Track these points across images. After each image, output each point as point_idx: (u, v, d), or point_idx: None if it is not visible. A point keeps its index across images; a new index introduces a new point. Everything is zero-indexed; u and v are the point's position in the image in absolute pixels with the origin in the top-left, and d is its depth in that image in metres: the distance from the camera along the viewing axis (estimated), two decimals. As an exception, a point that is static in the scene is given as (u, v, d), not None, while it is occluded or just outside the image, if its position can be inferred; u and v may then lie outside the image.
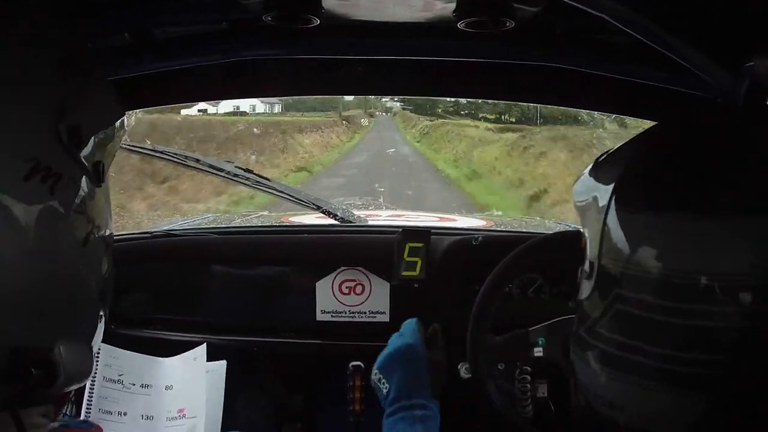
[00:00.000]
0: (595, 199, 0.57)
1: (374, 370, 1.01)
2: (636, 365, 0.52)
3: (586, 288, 0.57)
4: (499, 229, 1.95)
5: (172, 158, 1.64)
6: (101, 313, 0.63)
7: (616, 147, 0.62)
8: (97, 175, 0.59)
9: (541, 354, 1.17)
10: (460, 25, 0.93)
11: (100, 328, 0.63)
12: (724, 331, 0.48)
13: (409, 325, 1.06)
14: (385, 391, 0.97)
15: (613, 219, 0.54)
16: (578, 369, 0.60)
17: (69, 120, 0.54)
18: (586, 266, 0.57)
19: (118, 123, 0.65)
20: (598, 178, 0.59)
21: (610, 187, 0.55)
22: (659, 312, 0.50)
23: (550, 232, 1.47)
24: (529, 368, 1.17)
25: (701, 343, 0.48)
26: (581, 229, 0.60)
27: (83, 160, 0.57)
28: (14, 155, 0.50)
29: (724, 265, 0.48)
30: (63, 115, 0.54)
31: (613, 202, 0.54)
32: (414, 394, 0.94)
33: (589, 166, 0.62)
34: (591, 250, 0.56)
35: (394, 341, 1.04)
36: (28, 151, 0.51)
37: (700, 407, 0.49)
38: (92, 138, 0.58)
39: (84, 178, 0.57)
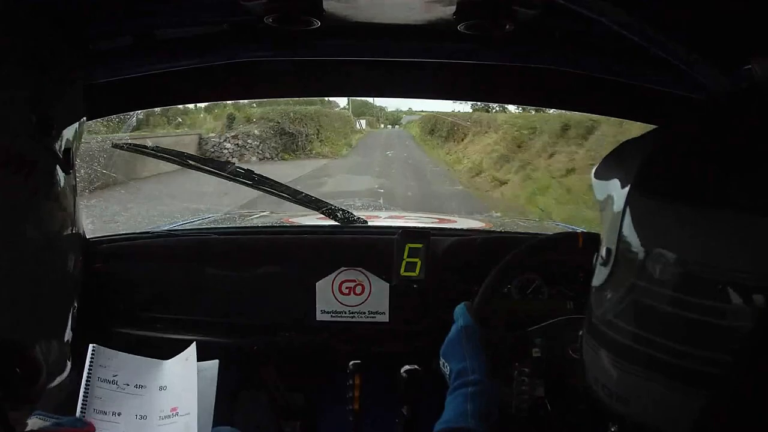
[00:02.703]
0: (615, 186, 0.56)
1: (440, 359, 1.04)
2: (644, 357, 0.52)
3: (601, 274, 0.57)
4: (497, 230, 1.96)
5: (172, 158, 1.65)
6: (73, 306, 0.63)
7: (636, 137, 0.61)
8: (68, 162, 0.59)
9: (539, 354, 1.18)
10: (460, 27, 0.94)
11: (71, 324, 0.63)
12: (734, 330, 0.47)
13: (460, 309, 1.08)
14: (447, 373, 1.00)
15: (632, 207, 0.53)
16: (587, 357, 0.60)
17: (42, 110, 0.55)
18: (603, 252, 0.57)
19: (81, 121, 0.65)
20: (618, 166, 0.59)
21: (631, 175, 0.55)
22: (671, 304, 0.50)
23: (549, 233, 1.47)
24: (527, 369, 1.18)
25: (710, 340, 0.48)
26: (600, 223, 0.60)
27: (54, 148, 0.57)
28: None
29: (740, 263, 0.47)
30: (36, 105, 0.54)
31: (633, 190, 0.54)
32: (472, 371, 0.97)
33: (609, 154, 0.62)
34: (609, 236, 0.56)
35: (452, 328, 1.06)
36: (1, 140, 0.51)
37: (702, 405, 0.49)
38: (63, 129, 0.59)
39: (57, 167, 0.57)
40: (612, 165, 0.60)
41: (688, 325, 0.49)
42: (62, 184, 0.58)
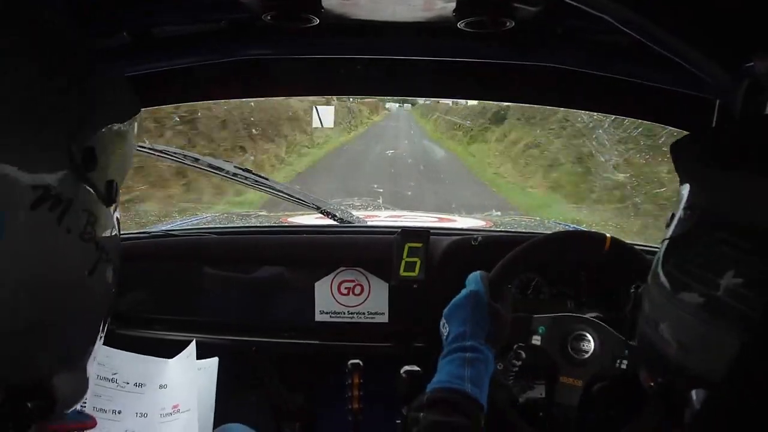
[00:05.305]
0: (703, 151, 0.59)
1: (442, 319, 1.04)
2: (727, 308, 0.52)
3: (681, 226, 0.59)
4: (498, 229, 1.96)
5: (171, 157, 1.64)
6: (101, 334, 0.59)
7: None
8: (110, 196, 0.54)
9: (538, 342, 1.18)
10: (461, 24, 0.94)
11: (99, 344, 0.59)
12: None
13: (475, 276, 1.08)
14: (445, 334, 1.00)
15: (722, 171, 0.56)
16: (649, 308, 0.61)
17: (83, 140, 0.49)
18: (682, 209, 0.59)
19: (131, 129, 0.59)
20: (706, 140, 0.62)
21: (724, 144, 0.57)
22: (747, 253, 0.51)
23: (549, 231, 1.47)
24: (522, 353, 1.18)
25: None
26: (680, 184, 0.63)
27: (95, 181, 0.52)
28: (21, 181, 0.45)
29: None
30: (77, 135, 0.49)
31: (724, 156, 0.56)
32: (470, 337, 0.96)
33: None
34: (693, 196, 0.58)
35: (461, 292, 1.06)
36: (36, 178, 0.46)
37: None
38: (106, 156, 0.53)
39: (96, 202, 0.52)
40: (696, 139, 0.65)
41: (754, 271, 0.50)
42: (105, 216, 0.53)
